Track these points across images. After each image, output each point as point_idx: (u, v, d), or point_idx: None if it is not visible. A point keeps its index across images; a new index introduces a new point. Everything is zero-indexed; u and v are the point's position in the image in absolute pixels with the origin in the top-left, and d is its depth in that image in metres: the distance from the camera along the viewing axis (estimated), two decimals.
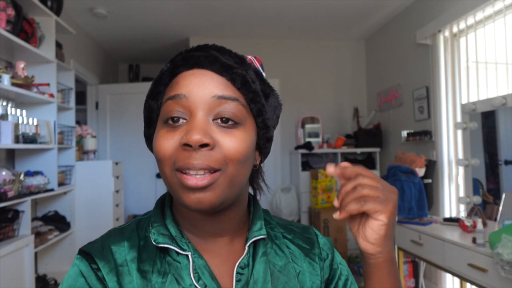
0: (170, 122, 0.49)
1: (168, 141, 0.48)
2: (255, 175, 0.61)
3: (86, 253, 0.51)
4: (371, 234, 0.50)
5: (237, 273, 0.52)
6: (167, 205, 0.56)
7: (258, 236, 0.54)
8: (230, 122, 0.48)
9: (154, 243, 0.51)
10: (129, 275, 0.50)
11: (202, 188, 0.46)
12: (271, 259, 0.55)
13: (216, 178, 0.47)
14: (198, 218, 0.53)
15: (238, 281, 0.51)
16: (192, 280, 0.49)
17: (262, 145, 0.55)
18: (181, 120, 0.48)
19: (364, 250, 0.52)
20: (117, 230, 0.55)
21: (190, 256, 0.50)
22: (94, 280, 0.49)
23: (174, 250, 0.51)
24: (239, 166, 0.48)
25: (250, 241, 0.54)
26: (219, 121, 0.48)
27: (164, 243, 0.51)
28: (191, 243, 0.52)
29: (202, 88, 0.48)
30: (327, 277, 0.60)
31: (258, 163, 0.56)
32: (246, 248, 0.53)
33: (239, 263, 0.52)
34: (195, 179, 0.46)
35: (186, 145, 0.46)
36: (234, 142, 0.48)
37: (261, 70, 0.56)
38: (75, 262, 0.51)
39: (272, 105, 0.55)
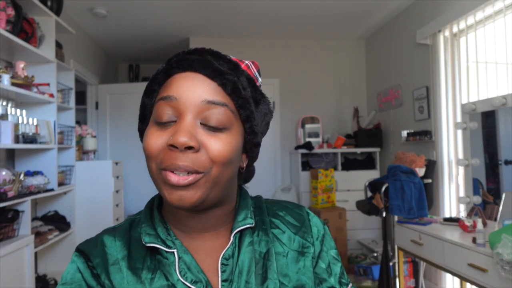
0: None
1: (156, 140, 0.50)
2: (246, 176, 0.63)
3: (83, 251, 0.54)
4: None
5: (222, 264, 0.53)
6: (155, 205, 0.58)
7: (242, 226, 0.55)
8: (216, 128, 0.50)
9: (143, 243, 0.53)
10: (120, 272, 0.52)
11: (184, 186, 0.48)
12: (257, 248, 0.56)
13: (199, 178, 0.48)
14: (184, 215, 0.54)
15: (223, 272, 0.52)
16: (178, 276, 0.51)
17: (249, 149, 0.56)
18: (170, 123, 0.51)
19: None
20: (110, 230, 0.58)
21: (176, 253, 0.52)
22: (89, 277, 0.52)
23: (161, 248, 0.52)
24: (223, 168, 0.50)
25: (235, 231, 0.55)
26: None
27: (151, 242, 0.52)
28: (178, 240, 0.54)
29: (193, 92, 0.50)
30: (318, 251, 0.61)
31: (244, 165, 0.58)
32: (232, 238, 0.54)
33: (223, 255, 0.53)
34: (178, 177, 0.47)
35: (172, 146, 0.47)
36: (219, 145, 0.49)
37: (256, 76, 0.58)
38: (72, 259, 0.54)
39: (262, 111, 0.57)
